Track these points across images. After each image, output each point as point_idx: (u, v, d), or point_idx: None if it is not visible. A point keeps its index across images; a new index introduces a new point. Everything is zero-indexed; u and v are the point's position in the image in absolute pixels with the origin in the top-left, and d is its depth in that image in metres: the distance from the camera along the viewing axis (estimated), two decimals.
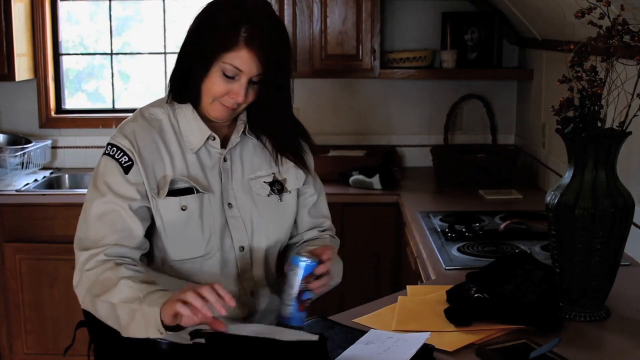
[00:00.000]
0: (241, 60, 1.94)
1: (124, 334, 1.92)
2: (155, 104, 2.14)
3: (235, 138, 2.11)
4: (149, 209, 2.05)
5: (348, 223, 4.07)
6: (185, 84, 2.05)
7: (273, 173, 2.16)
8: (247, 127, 2.12)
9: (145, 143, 2.05)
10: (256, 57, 1.94)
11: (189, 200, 2.04)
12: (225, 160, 2.11)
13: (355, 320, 2.23)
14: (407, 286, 2.51)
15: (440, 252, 2.93)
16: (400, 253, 4.03)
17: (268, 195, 2.15)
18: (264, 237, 2.14)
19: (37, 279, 4.32)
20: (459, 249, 2.94)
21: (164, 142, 2.07)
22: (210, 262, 2.09)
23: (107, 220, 2.01)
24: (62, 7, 4.96)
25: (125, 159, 2.02)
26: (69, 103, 5.08)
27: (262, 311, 2.19)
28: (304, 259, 1.96)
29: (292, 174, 2.19)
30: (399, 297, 2.39)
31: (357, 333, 2.09)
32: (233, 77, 1.97)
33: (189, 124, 2.08)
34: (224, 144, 2.12)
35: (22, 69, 4.67)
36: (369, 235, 4.12)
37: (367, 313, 2.28)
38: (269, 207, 2.15)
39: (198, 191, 2.05)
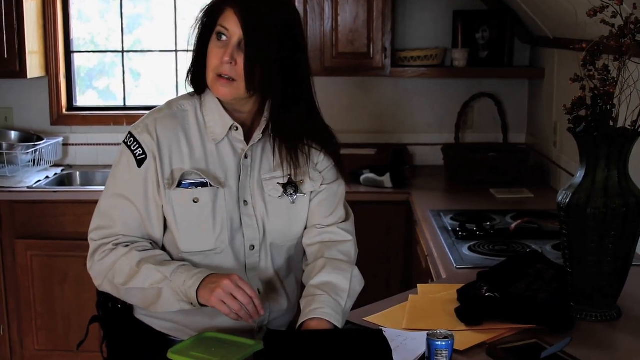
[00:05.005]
0: (227, 20, 1.96)
1: (152, 310, 2.04)
2: (185, 96, 2.16)
3: (257, 135, 2.10)
4: (159, 200, 2.07)
5: (358, 221, 4.04)
6: (200, 72, 2.06)
7: (289, 175, 2.13)
8: (270, 125, 2.11)
9: (165, 134, 2.06)
10: (239, 15, 1.94)
11: (201, 193, 2.05)
12: (246, 157, 2.10)
13: (366, 318, 2.23)
14: (418, 285, 2.51)
15: (451, 250, 2.93)
16: (410, 252, 4.03)
17: (279, 197, 2.13)
18: (272, 238, 2.13)
19: (48, 276, 4.33)
20: (469, 248, 2.94)
21: (186, 134, 2.08)
22: (220, 257, 2.09)
23: (116, 212, 2.06)
24: (73, 4, 4.97)
25: (139, 151, 2.04)
26: (80, 100, 5.09)
27: (273, 309, 2.18)
28: (439, 341, 1.87)
29: (310, 177, 2.16)
30: (410, 295, 2.39)
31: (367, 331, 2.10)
32: (224, 39, 1.97)
33: (213, 114, 2.08)
34: (246, 141, 2.11)
35: (34, 66, 4.68)
36: (379, 234, 4.11)
37: (377, 312, 2.29)
38: (279, 209, 2.13)
39: (212, 185, 2.05)
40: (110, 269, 2.03)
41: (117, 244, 2.05)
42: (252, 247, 2.11)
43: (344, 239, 2.21)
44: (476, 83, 4.74)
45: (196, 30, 2.05)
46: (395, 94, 4.83)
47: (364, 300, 2.28)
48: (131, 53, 5.09)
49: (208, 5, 2.03)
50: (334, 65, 4.45)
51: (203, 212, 2.05)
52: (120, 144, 2.10)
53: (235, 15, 1.95)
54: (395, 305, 2.34)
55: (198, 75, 2.07)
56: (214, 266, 2.08)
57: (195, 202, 2.05)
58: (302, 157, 2.13)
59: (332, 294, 2.04)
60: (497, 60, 4.66)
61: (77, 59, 5.08)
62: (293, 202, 2.15)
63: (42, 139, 4.75)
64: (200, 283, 1.94)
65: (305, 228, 2.21)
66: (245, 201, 2.10)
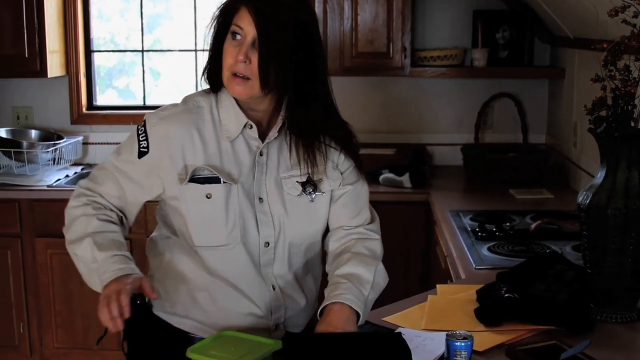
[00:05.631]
0: (241, 19, 1.97)
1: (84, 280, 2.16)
2: (201, 93, 2.17)
3: (273, 133, 2.10)
4: (142, 194, 2.15)
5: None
6: (216, 70, 2.08)
7: (308, 173, 2.13)
8: (286, 124, 2.11)
9: (179, 129, 2.08)
10: (253, 14, 1.95)
11: (214, 189, 2.05)
12: (261, 154, 2.10)
13: (385, 318, 2.23)
14: (437, 285, 2.51)
15: (470, 251, 2.92)
16: (429, 252, 4.02)
17: (298, 195, 2.12)
18: (290, 237, 2.13)
19: (68, 274, 4.35)
20: (489, 249, 2.93)
21: (199, 130, 2.09)
22: (233, 252, 2.09)
23: (105, 178, 2.16)
24: (93, 4, 4.99)
25: (144, 144, 2.09)
26: (100, 100, 5.12)
27: (289, 307, 2.19)
28: (459, 341, 1.87)
29: (328, 176, 2.15)
30: (429, 296, 2.39)
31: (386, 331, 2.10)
32: (238, 38, 1.98)
33: (228, 112, 2.09)
34: (262, 139, 2.11)
35: (54, 65, 4.71)
36: (398, 234, 4.10)
37: (396, 312, 2.28)
38: (298, 208, 2.13)
39: (224, 181, 2.06)
40: (72, 222, 2.14)
41: (91, 201, 2.14)
42: (267, 244, 2.11)
43: (371, 237, 2.21)
44: (496, 83, 4.72)
45: (212, 29, 2.06)
46: (414, 93, 4.82)
47: (382, 300, 2.28)
48: (151, 52, 5.11)
49: (223, 4, 2.04)
50: (353, 65, 4.45)
51: (215, 207, 2.06)
52: (136, 126, 2.15)
53: (249, 14, 1.96)
54: (414, 305, 2.34)
55: (214, 73, 2.09)
56: (228, 261, 2.09)
57: (208, 198, 2.05)
58: (319, 155, 2.12)
59: (355, 283, 2.05)
60: (517, 60, 4.64)
61: (97, 58, 5.11)
62: (312, 201, 2.14)
63: (62, 138, 4.77)
64: (113, 279, 2.00)
65: (327, 229, 2.22)
66: (260, 198, 2.10)
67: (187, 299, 2.14)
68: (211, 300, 2.12)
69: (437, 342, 2.00)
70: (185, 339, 2.13)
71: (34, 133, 4.87)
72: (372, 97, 4.84)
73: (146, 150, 2.08)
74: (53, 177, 4.48)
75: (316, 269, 2.27)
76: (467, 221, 3.38)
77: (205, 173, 2.06)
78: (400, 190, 4.20)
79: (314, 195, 2.14)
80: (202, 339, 2.07)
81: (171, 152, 2.07)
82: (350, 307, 1.99)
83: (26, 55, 4.57)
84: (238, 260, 2.09)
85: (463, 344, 1.84)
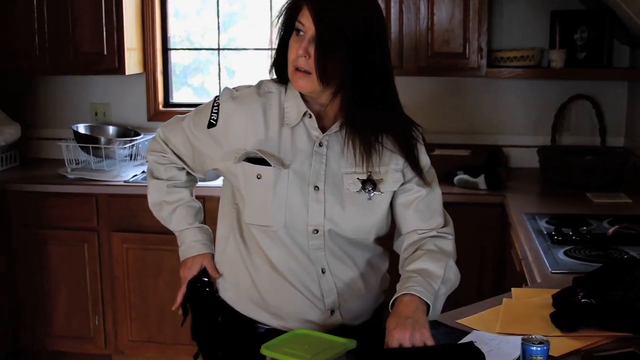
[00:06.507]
0: (303, 15, 2.02)
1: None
2: (276, 80, 2.22)
3: (335, 126, 2.13)
4: (205, 161, 2.30)
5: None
6: (282, 64, 2.13)
7: (370, 172, 2.14)
8: (349, 119, 2.11)
9: (244, 110, 2.16)
10: (312, 11, 2.00)
11: (264, 170, 2.11)
12: (320, 145, 2.13)
13: (459, 321, 2.21)
14: (512, 289, 2.48)
15: (546, 255, 2.88)
16: (504, 255, 3.98)
17: (357, 192, 2.14)
18: (340, 229, 2.14)
19: (143, 268, 4.42)
20: (565, 253, 2.89)
21: (265, 114, 2.16)
22: (277, 234, 2.13)
23: (178, 138, 2.35)
24: (170, 2, 5.06)
25: (214, 117, 2.20)
26: (176, 97, 5.18)
27: (342, 291, 2.20)
28: (535, 346, 1.85)
29: (389, 176, 2.16)
30: (504, 299, 2.36)
31: (460, 334, 2.09)
32: (301, 34, 2.03)
33: (291, 101, 2.15)
34: (324, 131, 2.14)
35: (132, 63, 4.78)
36: (472, 236, 4.07)
37: (470, 314, 2.26)
38: (355, 204, 2.14)
39: (274, 165, 2.11)
40: (149, 180, 2.48)
41: (163, 157, 2.42)
42: (316, 231, 2.13)
43: (443, 237, 2.21)
44: (573, 84, 4.65)
45: (278, 25, 2.12)
46: (490, 94, 4.77)
47: (456, 302, 2.26)
48: (226, 51, 5.15)
49: (287, 2, 2.10)
50: (428, 64, 4.42)
51: (264, 189, 2.12)
52: (214, 97, 2.26)
53: (310, 11, 2.01)
54: (488, 308, 2.32)
55: (280, 67, 2.15)
56: (274, 242, 2.15)
57: (259, 178, 2.12)
58: (375, 155, 2.13)
59: (425, 277, 2.07)
60: (596, 62, 4.56)
61: (173, 56, 5.17)
62: (370, 199, 2.15)
63: (138, 135, 4.85)
64: (183, 260, 2.41)
65: (390, 230, 2.24)
66: (316, 187, 2.12)
67: (246, 282, 2.23)
68: (267, 283, 2.19)
69: (512, 346, 1.98)
70: (252, 329, 2.23)
71: (111, 129, 4.96)
72: (446, 97, 4.81)
73: (214, 122, 2.19)
74: (130, 173, 4.55)
75: (375, 259, 2.28)
76: (542, 224, 3.34)
77: (259, 155, 2.12)
78: (475, 192, 4.17)
79: (372, 194, 2.15)
80: (268, 329, 2.18)
81: (234, 131, 2.16)
82: (420, 298, 2.01)
83: (105, 53, 4.65)
84: (284, 243, 2.14)
85: (539, 348, 1.82)
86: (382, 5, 4.31)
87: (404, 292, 2.03)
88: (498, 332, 2.12)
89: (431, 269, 2.10)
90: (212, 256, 2.38)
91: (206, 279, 2.37)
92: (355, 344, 1.90)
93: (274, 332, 2.14)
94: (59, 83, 5.16)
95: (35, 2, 4.65)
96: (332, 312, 2.19)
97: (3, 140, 4.83)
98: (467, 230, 4.05)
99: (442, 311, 2.18)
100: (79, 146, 4.63)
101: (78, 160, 4.68)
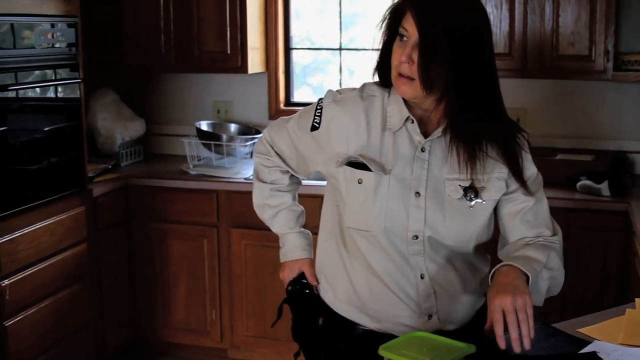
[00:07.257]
0: (407, 21, 2.01)
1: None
2: (379, 83, 2.22)
3: (437, 132, 2.11)
4: (306, 164, 2.32)
5: (573, 229, 3.95)
6: (386, 69, 2.13)
7: (472, 179, 2.11)
8: (453, 125, 2.09)
9: (347, 114, 2.17)
10: (415, 17, 1.99)
11: (365, 175, 2.12)
12: (422, 150, 2.12)
13: (579, 329, 2.17)
14: (636, 299, 2.41)
15: None
16: (627, 264, 3.87)
17: (459, 199, 2.11)
18: (440, 237, 2.12)
19: (260, 265, 4.48)
20: None
21: (367, 118, 2.16)
22: (376, 239, 2.13)
23: (283, 141, 2.38)
24: (293, 2, 5.11)
25: (317, 120, 2.21)
26: (296, 96, 5.23)
27: (440, 296, 2.18)
28: None
29: (491, 185, 2.13)
30: (627, 309, 2.30)
31: (581, 343, 2.05)
32: (404, 39, 2.02)
33: (394, 105, 2.15)
34: (426, 137, 2.13)
35: (255, 62, 4.85)
36: (594, 243, 3.98)
37: (591, 323, 2.22)
38: (456, 211, 2.12)
39: (375, 171, 2.11)
40: (255, 182, 2.52)
41: (268, 160, 2.45)
42: (416, 237, 2.12)
43: (552, 242, 2.16)
44: None
45: (382, 30, 2.13)
46: (616, 98, 4.65)
47: (578, 311, 2.22)
48: (345, 51, 5.17)
49: (392, 6, 2.10)
50: (553, 67, 4.33)
51: (365, 193, 2.12)
52: (317, 100, 2.27)
53: (413, 17, 1.99)
54: (610, 318, 2.26)
55: (384, 71, 2.15)
56: (372, 246, 2.15)
57: (360, 183, 2.13)
58: (479, 162, 2.10)
59: (526, 259, 2.05)
60: None
61: (293, 55, 5.22)
62: (471, 207, 2.12)
63: (260, 133, 4.90)
64: (283, 263, 2.47)
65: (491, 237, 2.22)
66: (417, 192, 2.11)
67: (345, 285, 2.24)
68: (365, 286, 2.20)
69: (636, 358, 1.93)
70: (350, 329, 2.25)
71: (233, 127, 5.04)
72: (570, 100, 4.70)
73: (317, 126, 2.21)
74: (250, 170, 4.60)
75: (476, 262, 2.25)
76: None
77: (360, 160, 2.13)
78: (598, 198, 4.06)
79: (474, 202, 2.12)
80: (365, 331, 2.21)
81: (336, 134, 2.17)
82: (519, 269, 1.99)
83: (228, 52, 4.74)
84: (383, 248, 2.14)
85: None
86: (507, 7, 4.26)
87: (502, 264, 2.03)
88: (620, 343, 2.07)
89: (533, 256, 2.07)
90: (311, 261, 2.43)
91: (305, 281, 2.41)
92: (474, 349, 1.88)
93: (372, 334, 2.18)
94: (182, 80, 5.28)
95: (161, 1, 4.78)
96: (430, 316, 2.18)
97: (128, 136, 4.98)
98: (588, 237, 3.98)
99: (563, 318, 2.15)
100: (202, 143, 4.72)
101: (200, 156, 4.78)
